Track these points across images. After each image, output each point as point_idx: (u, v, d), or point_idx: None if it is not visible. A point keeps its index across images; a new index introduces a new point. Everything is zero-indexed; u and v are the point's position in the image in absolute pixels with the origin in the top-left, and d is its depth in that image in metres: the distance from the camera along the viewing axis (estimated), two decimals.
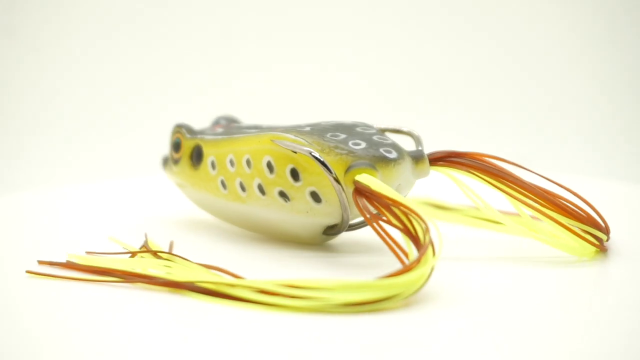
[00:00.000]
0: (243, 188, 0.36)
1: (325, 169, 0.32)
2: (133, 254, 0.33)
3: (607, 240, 0.34)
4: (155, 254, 0.33)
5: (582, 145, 0.75)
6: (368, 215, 0.31)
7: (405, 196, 0.35)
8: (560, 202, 0.33)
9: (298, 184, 0.34)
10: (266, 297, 0.27)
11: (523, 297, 0.30)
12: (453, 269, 0.33)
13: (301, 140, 0.33)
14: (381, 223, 0.31)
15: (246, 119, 0.45)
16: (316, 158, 0.33)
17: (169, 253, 0.33)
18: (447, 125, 0.75)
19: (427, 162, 0.34)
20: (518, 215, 0.34)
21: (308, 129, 0.34)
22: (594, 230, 0.33)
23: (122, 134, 0.70)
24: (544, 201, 0.33)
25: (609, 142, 0.75)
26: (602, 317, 0.28)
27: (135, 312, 0.28)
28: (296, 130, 0.35)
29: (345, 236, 0.37)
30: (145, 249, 0.34)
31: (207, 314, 0.27)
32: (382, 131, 0.37)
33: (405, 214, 0.29)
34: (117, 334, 0.26)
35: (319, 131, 0.34)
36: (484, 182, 0.34)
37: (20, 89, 0.69)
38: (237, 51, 0.75)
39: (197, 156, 0.39)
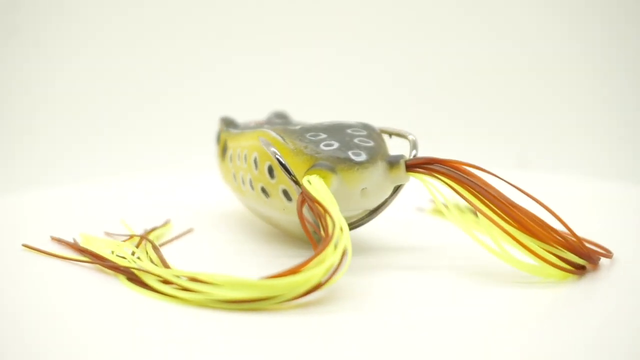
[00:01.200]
0: (243, 182, 0.37)
1: (284, 170, 0.33)
2: (130, 238, 0.36)
3: (592, 265, 0.31)
4: (142, 238, 0.35)
5: (582, 145, 0.72)
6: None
7: (381, 201, 0.34)
8: (532, 224, 0.31)
9: (273, 182, 0.34)
10: (165, 287, 0.29)
11: (442, 311, 0.28)
12: (384, 278, 0.32)
13: (278, 139, 0.34)
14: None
15: (306, 117, 0.46)
16: (277, 159, 0.33)
17: (147, 239, 0.35)
18: (454, 128, 0.73)
19: (402, 167, 0.33)
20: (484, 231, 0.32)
21: (298, 127, 0.35)
22: (566, 253, 0.30)
23: (185, 128, 0.74)
24: (513, 221, 0.31)
25: (607, 141, 0.72)
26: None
27: (70, 289, 0.30)
28: (284, 128, 0.35)
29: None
30: (143, 234, 0.37)
31: (118, 298, 0.29)
32: (386, 133, 0.36)
33: (331, 224, 0.29)
34: (37, 304, 0.29)
35: (303, 130, 0.34)
36: (457, 193, 0.32)
37: (71, 83, 0.74)
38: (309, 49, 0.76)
39: (225, 149, 0.40)
